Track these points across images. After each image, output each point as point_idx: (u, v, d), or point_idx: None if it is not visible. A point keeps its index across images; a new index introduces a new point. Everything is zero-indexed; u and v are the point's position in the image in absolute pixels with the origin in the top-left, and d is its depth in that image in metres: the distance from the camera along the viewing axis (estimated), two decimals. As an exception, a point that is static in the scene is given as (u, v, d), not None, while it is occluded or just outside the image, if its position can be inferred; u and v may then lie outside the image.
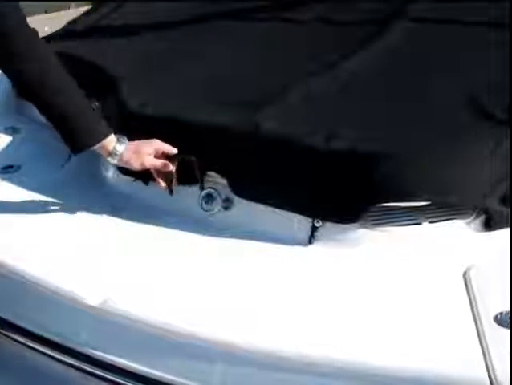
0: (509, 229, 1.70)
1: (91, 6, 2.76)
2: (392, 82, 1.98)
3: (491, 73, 1.92)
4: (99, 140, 1.78)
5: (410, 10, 2.31)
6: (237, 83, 2.00)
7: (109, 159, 1.81)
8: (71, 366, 1.69)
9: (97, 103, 1.91)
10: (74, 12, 4.77)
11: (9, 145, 2.22)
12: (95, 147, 1.79)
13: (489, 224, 1.72)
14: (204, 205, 1.84)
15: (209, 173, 1.84)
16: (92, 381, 1.68)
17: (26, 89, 1.82)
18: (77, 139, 1.79)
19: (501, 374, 1.36)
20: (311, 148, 1.75)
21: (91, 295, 1.63)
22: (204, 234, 1.80)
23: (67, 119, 1.78)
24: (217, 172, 1.83)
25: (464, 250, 1.69)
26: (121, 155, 1.79)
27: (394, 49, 2.12)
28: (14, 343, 1.77)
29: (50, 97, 1.77)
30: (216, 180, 1.84)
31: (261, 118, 1.82)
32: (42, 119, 2.23)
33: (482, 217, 1.72)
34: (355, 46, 2.12)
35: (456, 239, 1.71)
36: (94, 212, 1.89)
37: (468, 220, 1.73)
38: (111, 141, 1.79)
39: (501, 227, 1.71)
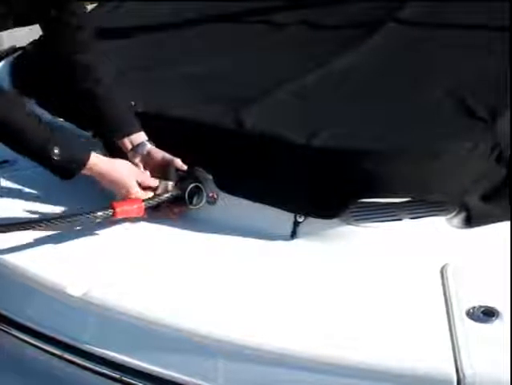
0: (489, 226, 1.72)
1: (93, 6, 2.81)
2: (375, 81, 2.00)
3: (475, 72, 1.94)
4: (132, 133, 1.89)
5: (398, 13, 2.34)
6: (223, 80, 2.04)
7: (132, 153, 1.89)
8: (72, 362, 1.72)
9: (133, 102, 1.96)
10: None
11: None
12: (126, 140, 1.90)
13: (469, 221, 1.73)
14: (189, 200, 1.86)
15: (195, 168, 1.87)
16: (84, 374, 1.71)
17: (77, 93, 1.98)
18: (112, 131, 1.92)
19: (469, 367, 1.37)
20: (294, 145, 1.77)
21: (88, 290, 1.66)
22: (189, 229, 1.83)
23: (105, 112, 1.93)
24: (202, 167, 1.86)
25: (443, 246, 1.70)
26: (148, 151, 1.88)
27: (380, 50, 2.15)
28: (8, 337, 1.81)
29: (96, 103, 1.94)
30: (201, 175, 1.86)
31: (245, 115, 1.85)
32: (42, 116, 2.28)
33: (463, 214, 1.74)
34: (339, 47, 2.16)
35: (436, 235, 1.72)
36: (84, 206, 1.92)
37: (448, 216, 1.74)
38: (142, 136, 1.90)
39: (480, 224, 1.72)
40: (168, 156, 1.87)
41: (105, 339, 1.65)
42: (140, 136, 1.91)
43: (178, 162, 1.85)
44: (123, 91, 1.97)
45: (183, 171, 1.86)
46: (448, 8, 2.35)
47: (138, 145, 1.90)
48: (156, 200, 1.83)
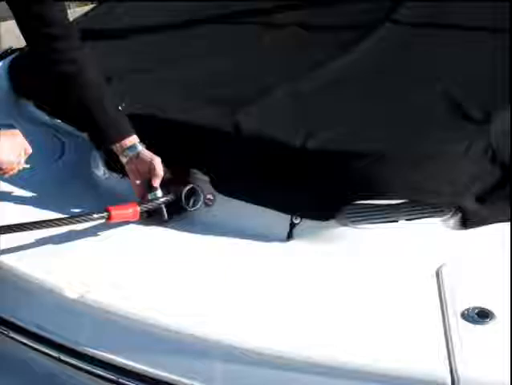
0: (485, 228, 1.72)
1: (92, 6, 2.81)
2: (371, 82, 2.01)
3: (470, 73, 1.94)
4: (123, 137, 1.87)
5: (396, 14, 2.35)
6: (220, 82, 2.05)
7: (123, 155, 1.88)
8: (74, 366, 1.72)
9: (123, 104, 1.96)
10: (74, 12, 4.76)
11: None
12: (118, 144, 1.88)
13: (465, 223, 1.74)
14: (186, 202, 1.87)
15: (192, 170, 1.88)
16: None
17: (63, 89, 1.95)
18: (104, 136, 1.90)
19: (463, 369, 1.38)
20: (290, 147, 1.78)
21: (86, 292, 1.66)
22: (185, 231, 1.83)
23: (96, 118, 1.90)
24: (199, 169, 1.87)
25: (439, 247, 1.71)
26: (138, 154, 1.87)
27: (377, 51, 2.16)
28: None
29: (82, 99, 1.90)
30: (198, 178, 1.87)
31: (242, 117, 1.86)
32: (39, 117, 2.30)
33: (458, 216, 1.74)
34: (335, 48, 2.17)
35: (432, 236, 1.73)
36: (82, 209, 1.93)
37: (444, 218, 1.75)
38: (134, 139, 1.88)
39: (476, 225, 1.73)
40: (153, 163, 1.85)
41: (103, 341, 1.65)
42: (131, 139, 1.88)
43: (158, 173, 1.84)
44: (113, 94, 1.95)
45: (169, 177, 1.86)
46: (446, 8, 2.36)
47: (129, 148, 1.87)
48: (152, 204, 1.83)
